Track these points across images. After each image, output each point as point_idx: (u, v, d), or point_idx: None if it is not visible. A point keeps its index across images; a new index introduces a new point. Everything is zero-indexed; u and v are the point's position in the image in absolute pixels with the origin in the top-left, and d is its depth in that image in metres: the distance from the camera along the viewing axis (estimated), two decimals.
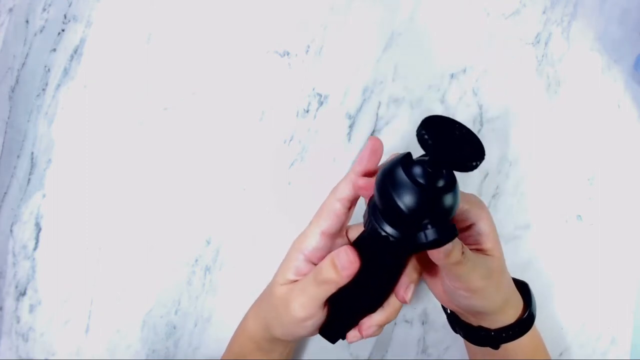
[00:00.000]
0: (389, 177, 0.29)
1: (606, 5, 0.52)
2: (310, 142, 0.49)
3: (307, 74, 0.50)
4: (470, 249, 0.35)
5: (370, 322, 0.36)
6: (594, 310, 0.49)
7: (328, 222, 0.35)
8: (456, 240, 0.30)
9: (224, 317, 0.48)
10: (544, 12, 0.52)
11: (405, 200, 0.28)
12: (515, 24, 0.51)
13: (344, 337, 0.38)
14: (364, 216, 0.33)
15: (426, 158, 0.29)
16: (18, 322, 0.47)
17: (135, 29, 0.49)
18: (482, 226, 0.35)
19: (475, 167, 0.26)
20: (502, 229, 0.49)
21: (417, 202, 0.27)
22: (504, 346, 0.38)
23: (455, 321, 0.41)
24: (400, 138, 0.50)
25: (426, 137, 0.26)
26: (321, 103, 0.50)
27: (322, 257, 0.36)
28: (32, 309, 0.47)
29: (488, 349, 0.38)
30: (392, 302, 0.37)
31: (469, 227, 0.36)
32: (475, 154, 0.26)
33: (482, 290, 0.34)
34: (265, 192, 0.49)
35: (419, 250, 0.32)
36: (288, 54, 0.50)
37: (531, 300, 0.39)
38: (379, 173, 0.30)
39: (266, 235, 0.49)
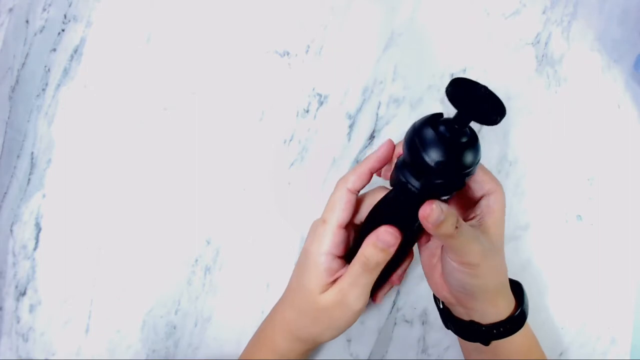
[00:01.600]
0: (418, 132, 0.32)
1: (606, 5, 0.52)
2: (310, 142, 0.49)
3: (307, 74, 0.50)
4: (473, 222, 0.36)
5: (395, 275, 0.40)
6: (594, 310, 0.49)
7: (345, 213, 0.37)
8: (451, 212, 0.32)
9: (224, 317, 0.48)
10: (544, 12, 0.52)
11: (432, 154, 0.31)
12: (515, 24, 0.51)
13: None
14: (390, 177, 0.35)
15: (451, 117, 0.32)
16: (18, 322, 0.47)
17: (135, 29, 0.49)
18: (490, 201, 0.36)
19: (498, 121, 0.29)
20: None
21: (443, 154, 0.31)
22: (496, 345, 0.38)
23: (448, 316, 0.41)
24: (400, 138, 0.49)
25: (454, 93, 0.30)
26: (321, 103, 0.50)
27: (345, 249, 0.38)
28: (32, 309, 0.47)
29: (482, 348, 0.38)
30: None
31: (480, 198, 0.37)
32: (497, 110, 0.30)
33: (478, 267, 0.34)
34: (265, 192, 0.49)
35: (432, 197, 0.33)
36: (288, 54, 0.50)
37: (524, 299, 0.39)
38: (409, 130, 0.33)
39: (266, 235, 0.49)
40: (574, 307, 0.49)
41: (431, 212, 0.31)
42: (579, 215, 0.50)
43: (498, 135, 0.50)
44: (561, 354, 0.48)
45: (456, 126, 0.31)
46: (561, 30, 0.52)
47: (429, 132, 0.31)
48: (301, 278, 0.38)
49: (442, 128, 0.31)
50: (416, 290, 0.48)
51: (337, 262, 0.37)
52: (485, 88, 0.30)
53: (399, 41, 0.50)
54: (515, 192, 0.50)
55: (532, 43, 0.51)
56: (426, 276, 0.40)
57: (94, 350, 0.47)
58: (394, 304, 0.48)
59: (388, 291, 0.43)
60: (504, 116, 0.30)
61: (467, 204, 0.39)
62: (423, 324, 0.49)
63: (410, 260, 0.42)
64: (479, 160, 0.33)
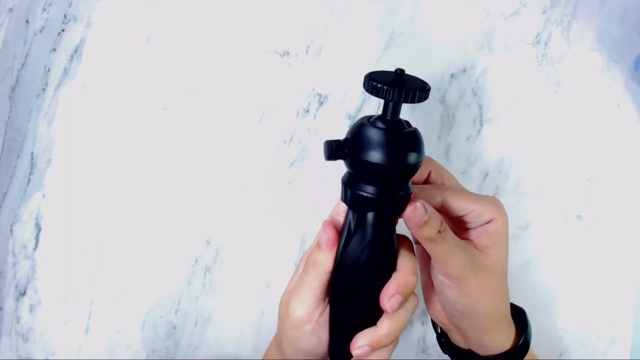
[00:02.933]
0: (356, 137, 0.31)
1: (606, 5, 0.52)
2: (310, 142, 0.49)
3: (307, 74, 0.50)
4: (468, 242, 0.34)
5: (376, 332, 0.34)
6: (594, 310, 0.49)
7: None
8: (435, 215, 0.31)
9: (224, 317, 0.48)
10: (544, 12, 0.52)
11: (374, 152, 0.30)
12: (515, 24, 0.51)
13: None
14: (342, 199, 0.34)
15: (380, 114, 0.31)
16: (18, 322, 0.47)
17: (135, 29, 0.49)
18: (490, 227, 0.34)
19: (425, 96, 0.29)
20: None
21: (384, 146, 0.30)
22: None
23: (445, 341, 0.40)
24: None
25: (374, 83, 0.29)
26: (321, 103, 0.50)
27: None
28: (32, 309, 0.47)
29: None
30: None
31: (480, 225, 0.35)
32: (420, 86, 0.30)
33: (463, 282, 0.33)
34: (265, 192, 0.49)
35: (400, 204, 0.32)
36: (288, 54, 0.50)
37: (527, 328, 0.37)
38: (343, 141, 0.32)
39: (266, 235, 0.49)
40: (574, 307, 0.49)
41: (414, 210, 0.30)
42: (579, 215, 0.50)
43: (498, 135, 0.50)
44: (561, 354, 0.48)
45: (387, 117, 0.31)
46: (561, 30, 0.52)
47: (366, 131, 0.31)
48: None
49: (378, 124, 0.31)
50: (416, 290, 0.48)
51: None
52: (399, 70, 0.30)
53: (399, 41, 0.50)
54: (515, 192, 0.50)
55: (532, 43, 0.51)
56: (424, 299, 0.39)
57: (94, 350, 0.47)
58: None
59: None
60: (428, 89, 0.30)
61: (464, 234, 0.36)
62: (423, 324, 0.49)
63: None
64: (422, 148, 0.32)
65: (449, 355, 0.40)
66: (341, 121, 0.50)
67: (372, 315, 0.34)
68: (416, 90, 0.29)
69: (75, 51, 0.48)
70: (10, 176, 0.48)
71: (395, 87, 0.29)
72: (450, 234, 0.32)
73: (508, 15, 0.51)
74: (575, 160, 0.50)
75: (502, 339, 0.36)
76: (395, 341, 0.36)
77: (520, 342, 0.36)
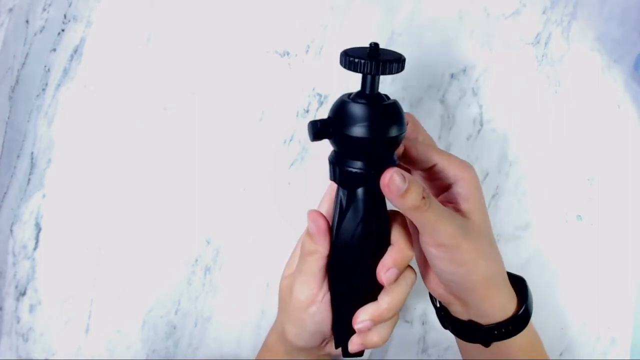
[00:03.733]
0: (339, 115, 0.32)
1: (606, 5, 0.52)
2: (310, 142, 0.49)
3: (307, 74, 0.50)
4: (451, 204, 0.34)
5: (377, 306, 0.34)
6: (594, 310, 0.49)
7: (325, 209, 0.36)
8: (415, 181, 0.30)
9: (224, 317, 0.48)
10: (544, 12, 0.52)
11: (358, 126, 0.30)
12: (515, 24, 0.51)
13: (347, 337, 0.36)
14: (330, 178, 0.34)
15: (359, 89, 0.32)
16: (18, 322, 0.47)
17: (135, 29, 0.49)
18: (460, 188, 0.34)
19: (401, 67, 0.31)
20: (502, 228, 0.49)
21: (366, 119, 0.30)
22: (497, 345, 0.36)
23: (445, 315, 0.39)
24: None
25: (350, 58, 0.30)
26: (321, 103, 0.50)
27: None
28: (32, 309, 0.47)
29: (482, 348, 0.36)
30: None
31: (449, 187, 0.35)
32: (395, 57, 0.31)
33: (455, 249, 0.32)
34: (265, 192, 0.49)
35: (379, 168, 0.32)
36: (288, 54, 0.50)
37: (527, 296, 0.36)
38: (327, 119, 0.32)
39: (266, 235, 0.49)
40: (574, 307, 0.49)
41: (391, 179, 0.30)
42: (579, 215, 0.50)
43: (498, 135, 0.50)
44: (561, 354, 0.48)
45: (367, 92, 0.32)
46: (561, 30, 0.52)
47: (348, 107, 0.31)
48: None
49: (358, 99, 0.32)
50: (416, 290, 0.48)
51: None
52: (374, 44, 0.30)
53: (399, 41, 0.50)
54: (515, 192, 0.50)
55: (532, 43, 0.51)
56: (421, 274, 0.38)
57: (94, 350, 0.47)
58: None
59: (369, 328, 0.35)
60: (404, 60, 0.30)
61: (439, 195, 0.36)
62: (423, 324, 0.49)
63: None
64: (403, 119, 0.32)
65: (450, 330, 0.39)
66: None
67: (372, 290, 0.35)
68: (392, 62, 0.30)
69: (75, 51, 0.48)
70: (10, 176, 0.48)
71: (372, 60, 0.30)
72: (434, 201, 0.31)
73: (508, 15, 0.51)
74: (575, 160, 0.50)
75: (504, 305, 0.35)
76: (396, 315, 0.36)
77: (522, 309, 0.35)
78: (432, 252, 0.33)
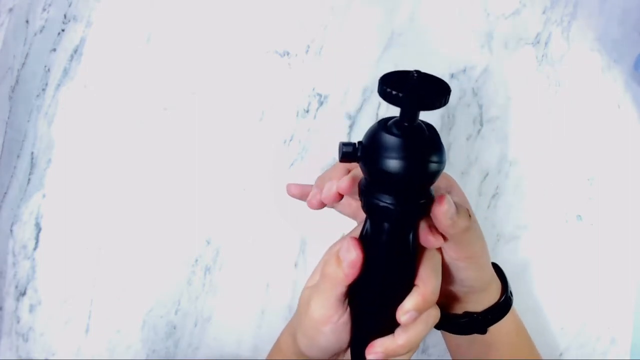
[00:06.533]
0: (371, 143, 0.29)
1: (606, 5, 0.52)
2: (310, 142, 0.49)
3: (307, 74, 0.50)
4: None
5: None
6: (594, 310, 0.49)
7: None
8: (460, 205, 0.30)
9: (224, 317, 0.48)
10: (544, 12, 0.52)
11: (391, 161, 0.27)
12: (515, 24, 0.51)
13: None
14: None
15: (398, 117, 0.28)
16: (18, 322, 0.47)
17: (135, 29, 0.49)
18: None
19: (444, 102, 0.26)
20: (502, 229, 0.49)
21: (401, 154, 0.27)
22: (490, 331, 0.38)
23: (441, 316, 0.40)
24: None
25: (389, 90, 0.26)
26: (321, 103, 0.50)
27: None
28: (32, 309, 0.47)
29: (473, 339, 0.38)
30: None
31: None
32: (440, 90, 0.26)
33: (480, 258, 0.34)
34: (265, 192, 0.49)
35: (419, 212, 0.30)
36: (288, 54, 0.50)
37: (506, 280, 0.39)
38: (359, 145, 0.30)
39: (266, 235, 0.49)
40: (574, 307, 0.49)
41: (448, 207, 0.29)
42: (579, 215, 0.50)
43: (498, 135, 0.50)
44: (561, 354, 0.48)
45: (405, 124, 0.28)
46: (561, 30, 0.52)
47: (382, 138, 0.28)
48: None
49: (394, 130, 0.28)
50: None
51: None
52: (417, 72, 0.27)
53: (399, 41, 0.50)
54: (515, 192, 0.50)
55: (532, 43, 0.51)
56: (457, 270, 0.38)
57: (94, 350, 0.47)
58: None
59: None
60: (448, 94, 0.26)
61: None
62: None
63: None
64: (443, 156, 0.29)
65: (446, 328, 0.39)
66: (341, 121, 0.50)
67: (390, 323, 0.33)
68: (436, 97, 0.26)
69: (75, 51, 0.48)
70: (10, 176, 0.48)
71: (414, 93, 0.26)
72: (474, 216, 0.32)
73: (508, 15, 0.51)
74: (575, 160, 0.50)
75: (494, 290, 0.38)
76: (412, 351, 0.34)
77: (508, 293, 0.38)
78: (459, 265, 0.33)
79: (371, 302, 0.33)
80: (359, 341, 0.34)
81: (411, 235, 0.31)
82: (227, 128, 0.49)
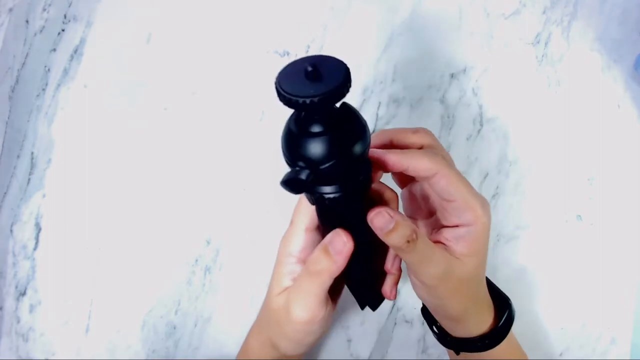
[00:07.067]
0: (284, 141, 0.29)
1: (606, 5, 0.52)
2: None
3: None
4: (441, 246, 0.32)
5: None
6: (594, 310, 0.49)
7: (309, 218, 0.35)
8: (404, 223, 0.29)
9: (224, 317, 0.48)
10: (544, 12, 0.52)
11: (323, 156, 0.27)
12: (515, 24, 0.51)
13: (379, 299, 0.38)
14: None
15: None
16: (18, 322, 0.47)
17: (135, 29, 0.49)
18: (466, 232, 0.31)
19: (347, 89, 0.25)
20: (502, 228, 0.49)
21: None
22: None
23: (426, 314, 0.39)
24: None
25: (281, 89, 0.25)
26: None
27: None
28: (32, 309, 0.47)
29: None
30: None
31: (454, 226, 0.32)
32: (342, 80, 0.25)
33: (434, 289, 0.32)
34: (265, 192, 0.49)
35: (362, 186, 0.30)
36: (288, 54, 0.49)
37: (504, 315, 0.36)
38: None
39: (266, 236, 0.49)
40: (574, 307, 0.49)
41: (376, 216, 0.29)
42: (579, 215, 0.50)
43: (498, 135, 0.50)
44: (561, 354, 0.48)
45: (316, 117, 0.27)
46: (561, 30, 0.52)
47: (306, 141, 0.27)
48: (272, 274, 0.37)
49: (315, 128, 0.28)
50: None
51: (300, 268, 0.35)
52: (313, 58, 0.26)
53: (399, 41, 0.50)
54: (515, 192, 0.50)
55: (532, 43, 0.51)
56: (411, 283, 0.37)
57: (94, 350, 0.47)
58: (394, 304, 0.48)
59: (394, 287, 0.37)
60: (348, 75, 0.25)
61: (439, 233, 0.34)
62: (423, 324, 0.48)
63: (399, 274, 0.37)
64: (366, 136, 0.28)
65: (430, 327, 0.39)
66: None
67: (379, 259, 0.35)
68: (332, 92, 0.25)
69: (75, 51, 0.48)
70: (10, 176, 0.48)
71: (308, 95, 0.25)
72: (422, 243, 0.30)
73: (508, 15, 0.51)
74: (575, 160, 0.50)
75: (476, 325, 0.35)
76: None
77: (498, 325, 0.35)
78: (412, 280, 0.33)
79: (359, 257, 0.33)
80: (361, 284, 0.37)
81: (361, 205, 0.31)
82: (227, 128, 0.49)
